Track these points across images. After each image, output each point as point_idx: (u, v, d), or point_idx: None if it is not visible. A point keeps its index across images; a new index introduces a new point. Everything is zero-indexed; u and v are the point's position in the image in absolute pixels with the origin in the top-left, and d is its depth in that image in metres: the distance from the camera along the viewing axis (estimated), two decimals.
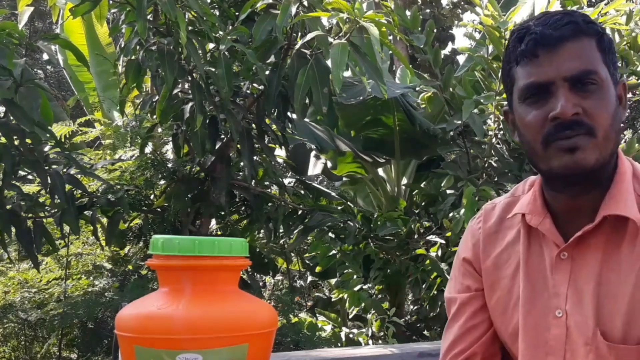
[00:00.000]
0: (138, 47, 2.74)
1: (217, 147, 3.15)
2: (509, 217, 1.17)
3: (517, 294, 1.12)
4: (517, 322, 1.11)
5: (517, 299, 1.12)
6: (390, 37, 3.94)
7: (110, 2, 2.85)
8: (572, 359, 1.05)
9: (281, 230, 3.69)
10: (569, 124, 0.99)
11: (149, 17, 2.71)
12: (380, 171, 5.17)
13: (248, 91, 3.15)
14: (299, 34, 2.94)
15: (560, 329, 1.06)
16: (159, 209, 3.34)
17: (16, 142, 2.62)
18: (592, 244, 1.05)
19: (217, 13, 3.09)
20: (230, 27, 2.83)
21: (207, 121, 2.92)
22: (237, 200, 3.59)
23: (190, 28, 2.67)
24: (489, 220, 1.21)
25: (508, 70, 1.09)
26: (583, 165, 1.00)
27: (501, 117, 3.58)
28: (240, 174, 3.48)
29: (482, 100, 3.48)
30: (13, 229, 2.81)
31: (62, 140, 3.45)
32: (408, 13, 4.36)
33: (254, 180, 3.29)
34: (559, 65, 1.00)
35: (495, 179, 3.70)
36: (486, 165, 3.68)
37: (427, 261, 3.69)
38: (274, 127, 3.27)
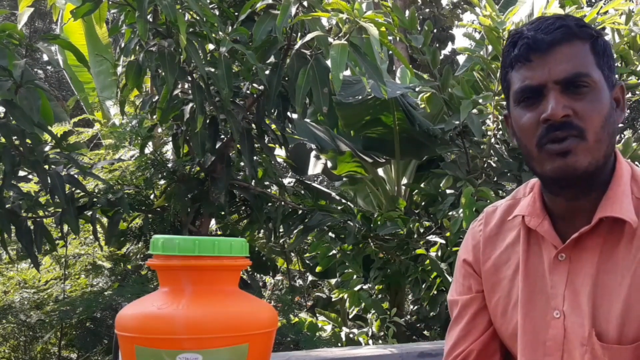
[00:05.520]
0: (138, 47, 2.74)
1: (217, 147, 3.16)
2: (509, 219, 1.18)
3: (517, 295, 1.13)
4: (517, 323, 1.12)
5: (517, 300, 1.12)
6: (390, 38, 3.94)
7: (110, 2, 2.84)
8: None
9: (281, 230, 3.69)
10: (560, 125, 1.00)
11: (148, 17, 2.70)
12: (380, 171, 5.17)
13: (248, 91, 3.15)
14: (299, 34, 2.94)
15: (557, 330, 1.07)
16: (159, 209, 3.34)
17: (16, 143, 2.62)
18: (589, 246, 1.06)
19: (217, 13, 3.09)
20: (230, 28, 2.83)
21: (207, 121, 2.92)
22: (237, 200, 3.59)
23: (190, 29, 2.67)
24: (490, 222, 1.22)
25: (504, 75, 1.10)
26: (575, 168, 1.00)
27: (500, 117, 3.58)
28: (240, 174, 3.48)
29: (480, 101, 3.48)
30: (13, 229, 2.81)
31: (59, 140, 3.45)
32: (407, 13, 4.36)
33: (254, 180, 3.29)
34: (551, 68, 1.02)
35: (495, 179, 3.70)
36: (485, 165, 3.68)
37: (427, 261, 3.69)
38: (274, 127, 3.27)
